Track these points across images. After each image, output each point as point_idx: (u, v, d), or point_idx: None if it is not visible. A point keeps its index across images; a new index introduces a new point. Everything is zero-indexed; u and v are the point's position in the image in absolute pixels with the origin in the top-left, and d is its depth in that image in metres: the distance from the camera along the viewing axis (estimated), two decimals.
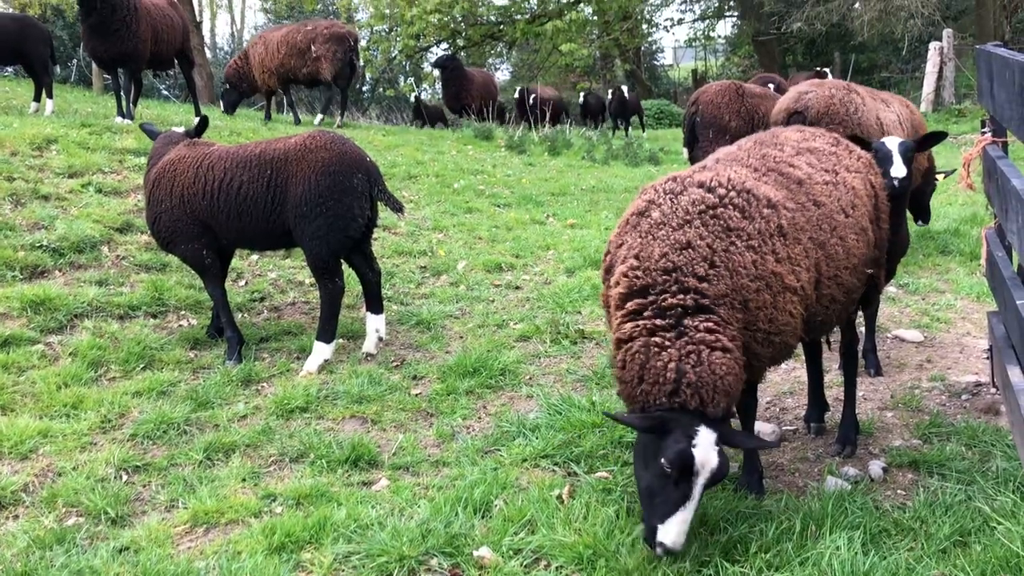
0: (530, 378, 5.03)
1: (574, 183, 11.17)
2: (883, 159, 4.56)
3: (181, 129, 5.91)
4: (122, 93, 10.05)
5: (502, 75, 38.14)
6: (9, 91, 13.05)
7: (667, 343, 2.97)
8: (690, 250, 3.09)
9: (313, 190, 4.98)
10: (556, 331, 5.63)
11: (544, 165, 12.66)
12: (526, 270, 7.20)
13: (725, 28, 35.83)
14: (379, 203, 5.29)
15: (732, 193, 3.25)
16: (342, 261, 5.30)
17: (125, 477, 3.86)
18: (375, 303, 5.46)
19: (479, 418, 4.55)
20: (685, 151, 9.27)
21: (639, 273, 3.12)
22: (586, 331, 5.68)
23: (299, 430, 4.30)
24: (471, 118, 17.04)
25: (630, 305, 3.10)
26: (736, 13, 31.02)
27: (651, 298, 3.06)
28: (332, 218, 5.01)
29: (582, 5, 29.09)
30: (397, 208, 5.27)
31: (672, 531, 2.90)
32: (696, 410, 2.91)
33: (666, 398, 2.92)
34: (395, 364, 5.23)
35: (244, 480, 3.84)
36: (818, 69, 19.04)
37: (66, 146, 8.26)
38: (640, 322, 3.04)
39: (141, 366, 5.00)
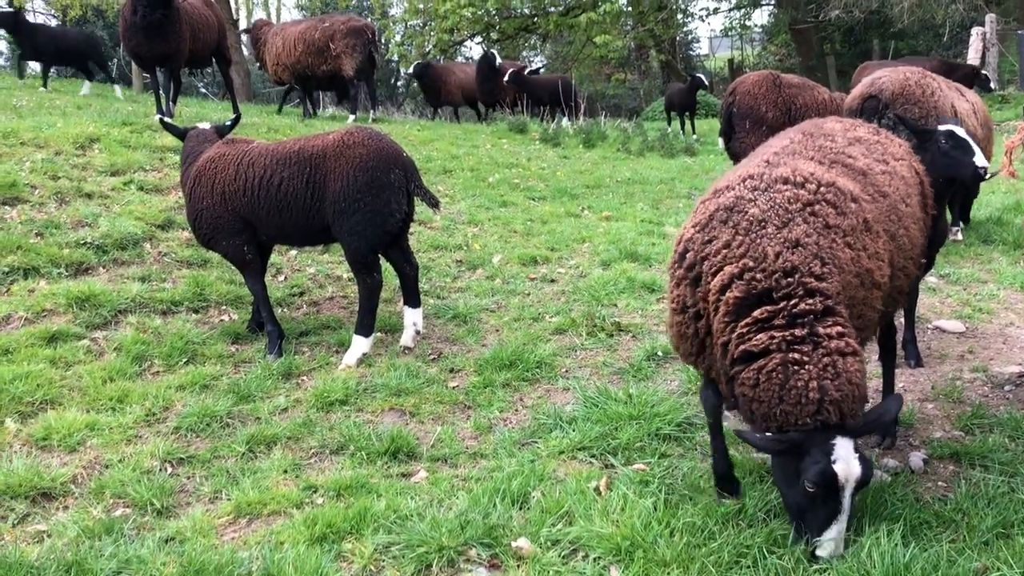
0: (566, 371, 5.05)
1: (609, 175, 11.15)
2: (962, 146, 4.55)
3: (207, 125, 5.98)
4: (161, 92, 10.20)
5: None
6: (52, 92, 13.31)
7: (805, 358, 2.82)
8: (802, 248, 2.95)
9: (351, 186, 5.03)
10: (592, 324, 5.64)
11: (579, 157, 12.66)
12: (561, 263, 7.21)
13: (761, 17, 35.46)
14: (415, 198, 5.33)
15: (822, 188, 3.13)
16: (380, 256, 5.35)
17: (170, 469, 3.94)
18: (412, 297, 5.51)
19: (516, 411, 4.58)
20: (721, 141, 9.22)
21: (758, 275, 2.93)
22: (622, 324, 5.67)
23: (339, 423, 4.36)
24: (505, 111, 17.05)
25: (758, 313, 2.91)
26: (772, 2, 30.67)
27: (780, 304, 2.90)
28: (370, 213, 5.06)
29: None
30: (433, 203, 5.31)
31: (829, 546, 2.89)
32: (836, 424, 2.81)
33: (809, 418, 2.80)
34: (432, 357, 5.28)
35: (286, 472, 3.90)
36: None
37: (108, 144, 8.42)
38: (775, 334, 2.86)
39: (184, 360, 5.09)
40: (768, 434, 2.90)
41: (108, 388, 4.63)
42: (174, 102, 10.58)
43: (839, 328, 2.87)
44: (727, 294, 2.97)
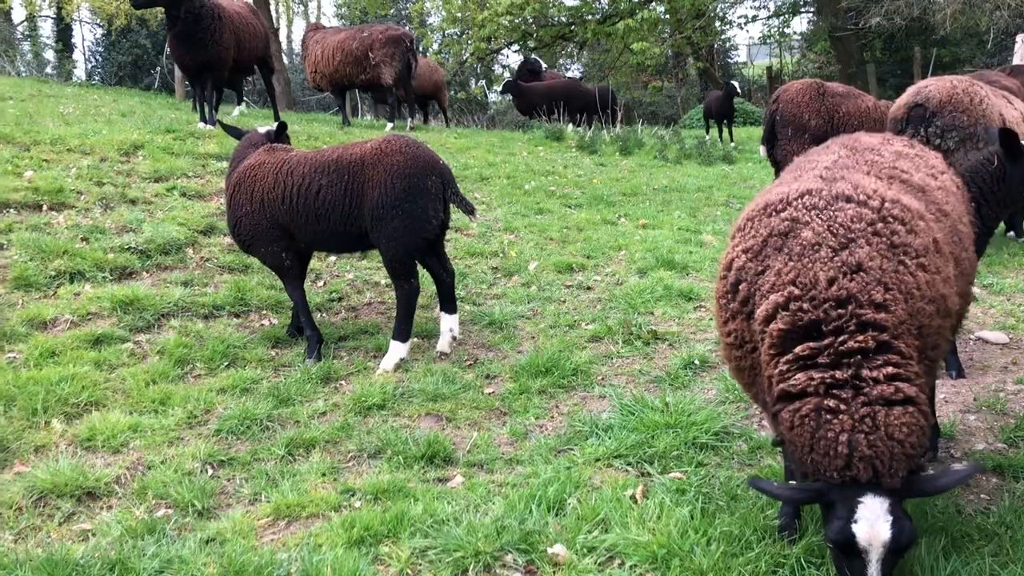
0: (602, 378, 5.05)
1: (646, 183, 11.13)
2: None
3: (263, 129, 6.08)
4: (204, 99, 10.37)
5: (573, 75, 38.10)
6: (97, 99, 13.58)
7: (841, 406, 2.55)
8: (862, 273, 2.66)
9: (388, 193, 5.08)
10: (628, 332, 5.64)
11: (615, 165, 12.65)
12: (597, 271, 7.21)
13: (800, 24, 35.23)
14: (452, 205, 5.37)
15: (888, 204, 2.84)
16: (417, 262, 5.39)
17: (211, 471, 4.00)
18: (449, 303, 5.55)
19: (552, 417, 4.59)
20: (763, 148, 9.18)
21: (804, 305, 2.67)
22: (659, 332, 5.66)
23: (376, 427, 4.39)
24: (542, 119, 17.08)
25: (800, 350, 2.65)
26: (812, 9, 30.40)
27: (826, 340, 2.62)
28: (407, 220, 5.11)
29: (654, 4, 28.91)
30: (469, 210, 5.34)
31: None
32: (868, 481, 2.53)
33: (837, 473, 2.54)
34: (468, 363, 5.31)
35: (324, 475, 3.94)
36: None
37: (152, 151, 8.57)
38: (815, 375, 2.60)
39: (225, 364, 5.16)
40: (792, 483, 2.76)
41: (151, 390, 4.71)
42: (216, 109, 10.74)
43: (890, 370, 2.58)
44: (771, 325, 2.73)
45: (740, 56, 41.27)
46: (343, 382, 5.06)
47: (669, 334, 5.67)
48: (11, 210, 6.77)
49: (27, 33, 33.96)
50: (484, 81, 33.75)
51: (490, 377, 5.11)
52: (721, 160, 14.01)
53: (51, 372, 4.69)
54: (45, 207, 6.95)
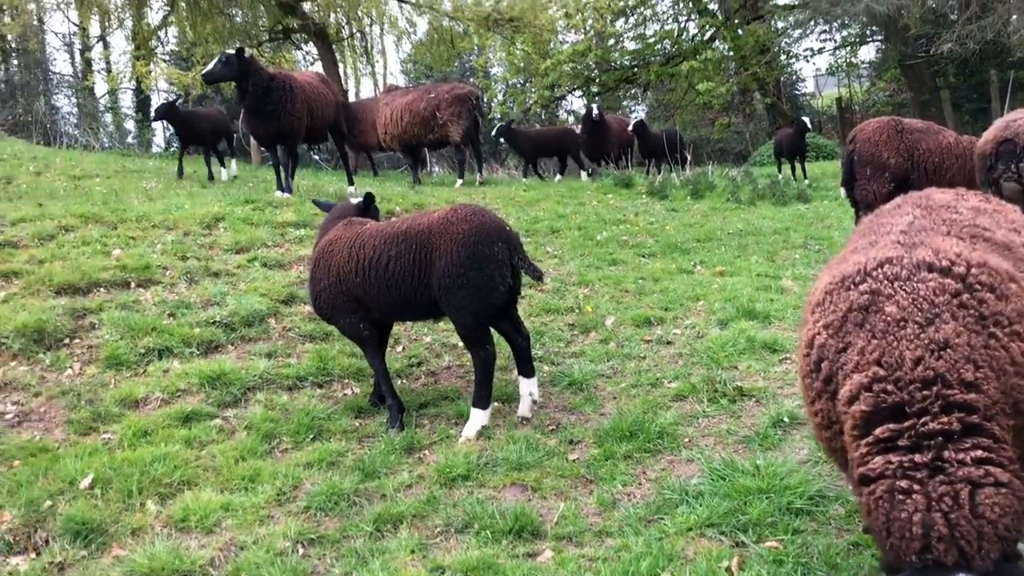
0: (689, 440, 4.95)
1: (720, 227, 11.01)
2: None
3: (352, 201, 6.27)
4: (280, 168, 10.65)
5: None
6: (196, 171, 14.04)
7: (915, 486, 2.42)
8: (949, 351, 2.53)
9: (455, 262, 5.12)
10: (713, 389, 5.53)
11: (687, 210, 12.55)
12: (676, 323, 7.12)
13: (868, 53, 34.72)
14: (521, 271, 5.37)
15: (974, 270, 2.70)
16: (490, 327, 5.40)
17: (301, 550, 4.02)
18: (526, 366, 5.53)
19: (639, 484, 4.50)
20: (843, 190, 9.00)
21: (889, 387, 2.54)
22: (744, 388, 5.54)
23: (462, 499, 4.37)
24: (610, 166, 17.10)
25: (880, 432, 2.53)
26: (880, 37, 29.98)
27: (908, 422, 2.49)
28: (473, 288, 5.12)
29: (717, 43, 28.89)
30: (537, 276, 5.32)
31: None
32: (955, 564, 2.35)
33: (916, 556, 2.38)
34: (551, 428, 5.26)
35: (413, 552, 3.92)
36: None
37: (232, 223, 8.82)
38: (893, 458, 2.48)
39: (311, 437, 5.21)
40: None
41: (240, 467, 4.78)
42: (292, 177, 11.02)
43: (980, 453, 2.43)
44: (854, 407, 2.61)
45: (808, 87, 40.81)
46: (427, 452, 5.06)
47: (755, 390, 5.54)
48: (101, 289, 7.01)
49: (109, 106, 35.59)
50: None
51: (573, 442, 5.05)
52: (796, 199, 13.79)
53: (144, 452, 4.80)
54: (133, 284, 7.18)
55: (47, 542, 4.08)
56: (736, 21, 28.56)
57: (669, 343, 6.68)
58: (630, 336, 6.82)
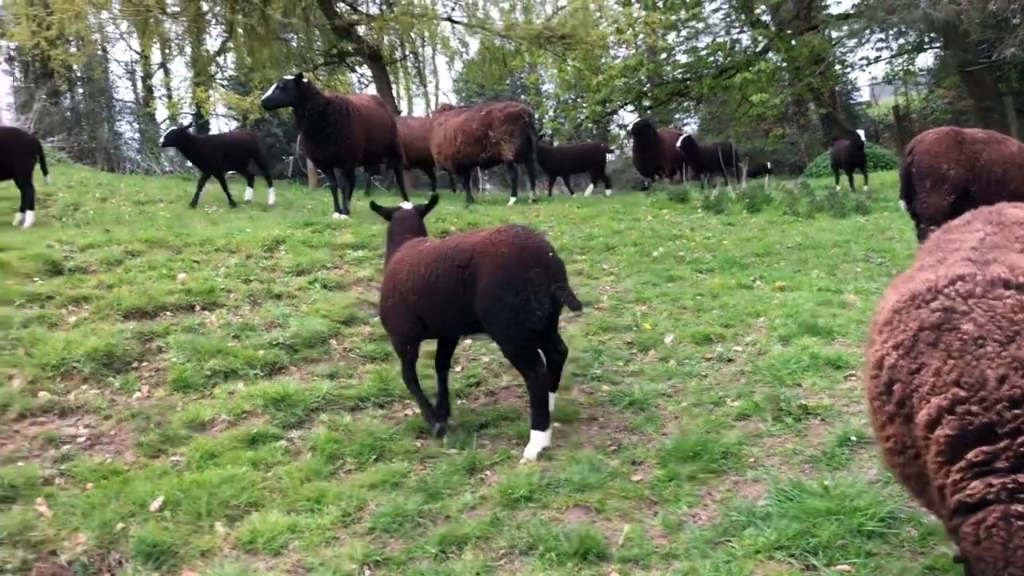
0: (754, 460, 4.87)
1: (778, 241, 10.88)
2: None
3: (410, 206, 6.38)
4: (338, 190, 10.80)
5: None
6: (237, 194, 14.30)
7: None
8: None
9: (492, 284, 5.13)
10: (777, 407, 5.45)
11: (744, 224, 12.43)
12: (737, 340, 7.03)
13: (926, 60, 34.06)
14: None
15: None
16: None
17: (368, 572, 4.04)
18: (553, 382, 5.61)
19: (704, 505, 4.44)
20: (903, 203, 8.83)
21: (974, 408, 2.47)
22: (809, 406, 5.45)
23: (526, 521, 4.36)
24: (663, 180, 17.02)
25: (973, 455, 2.45)
26: (938, 44, 29.39)
27: (1002, 443, 2.41)
28: (510, 312, 5.12)
29: (770, 53, 28.63)
30: (576, 307, 5.25)
31: None
32: None
33: None
34: (612, 449, 5.23)
35: (478, 574, 3.92)
36: None
37: (293, 246, 8.96)
38: (994, 481, 2.38)
39: (373, 458, 5.25)
40: None
41: (306, 489, 4.83)
42: (349, 198, 11.17)
43: None
44: (936, 431, 2.52)
45: (863, 96, 40.22)
46: (488, 472, 5.06)
47: (820, 408, 5.45)
48: (168, 313, 7.17)
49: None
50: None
51: (636, 463, 5.01)
52: (855, 211, 13.57)
53: (212, 474, 4.88)
54: (198, 307, 7.33)
55: (120, 563, 4.17)
56: (789, 32, 28.28)
57: (730, 360, 6.60)
58: (690, 354, 6.75)
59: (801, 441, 5.06)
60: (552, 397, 5.55)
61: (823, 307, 7.63)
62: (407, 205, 6.39)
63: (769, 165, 24.34)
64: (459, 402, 6.14)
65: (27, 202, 10.93)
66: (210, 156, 13.76)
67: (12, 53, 38.86)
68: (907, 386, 2.67)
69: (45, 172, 11.56)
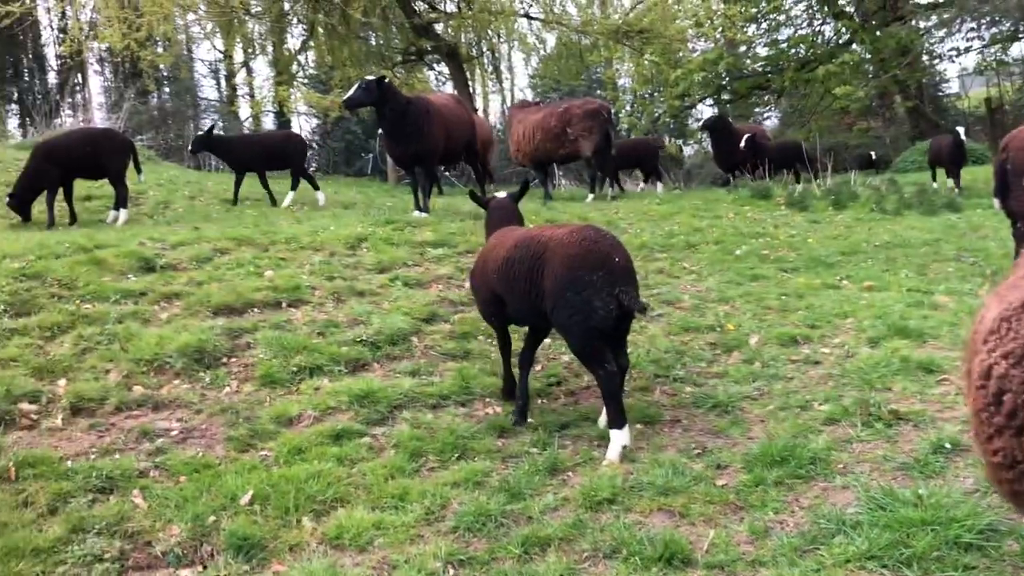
0: (843, 466, 4.75)
1: (865, 239, 10.60)
2: None
3: (504, 194, 6.64)
4: (418, 189, 10.91)
5: (770, 123, 37.27)
6: (338, 192, 14.55)
7: None
8: None
9: (556, 281, 5.21)
10: (866, 412, 5.30)
11: (829, 221, 12.15)
12: (824, 342, 6.87)
13: (1021, 49, 32.73)
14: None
15: None
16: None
17: (452, 571, 4.07)
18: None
19: (792, 512, 4.35)
20: (996, 201, 8.50)
21: None
22: (900, 411, 5.29)
23: (609, 524, 4.33)
24: (744, 177, 16.74)
25: None
26: None
27: None
28: (572, 310, 5.16)
29: (854, 45, 27.88)
30: (640, 309, 5.23)
31: None
32: None
33: None
34: (697, 452, 5.16)
35: None
36: None
37: (374, 243, 9.08)
38: None
39: (456, 456, 5.29)
40: None
41: (390, 485, 4.89)
42: (429, 196, 11.27)
43: None
44: None
45: (952, 87, 38.85)
46: (570, 473, 5.05)
47: (912, 413, 5.28)
48: (255, 309, 7.33)
49: (253, 130, 37.42)
50: (679, 140, 33.56)
51: (721, 467, 4.93)
52: (946, 208, 13.13)
53: (299, 470, 4.98)
54: (284, 304, 7.48)
55: (212, 556, 4.28)
56: (874, 23, 27.49)
57: (817, 363, 6.45)
58: (775, 355, 6.63)
59: (892, 448, 4.91)
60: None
61: (913, 308, 7.40)
62: (501, 195, 6.61)
63: (874, 155, 23.66)
64: (539, 401, 6.15)
65: (120, 201, 11.32)
66: (241, 155, 13.85)
67: (103, 54, 40.38)
68: (1019, 396, 2.55)
69: (139, 171, 11.96)
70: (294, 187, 14.04)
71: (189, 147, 15.09)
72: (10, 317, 6.71)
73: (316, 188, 14.04)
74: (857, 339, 6.79)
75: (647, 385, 6.20)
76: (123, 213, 11.30)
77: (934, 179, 17.28)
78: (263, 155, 13.98)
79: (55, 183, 11.27)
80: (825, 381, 6.07)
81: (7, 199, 11.31)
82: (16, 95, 46.65)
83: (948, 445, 4.79)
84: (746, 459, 4.91)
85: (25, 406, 5.55)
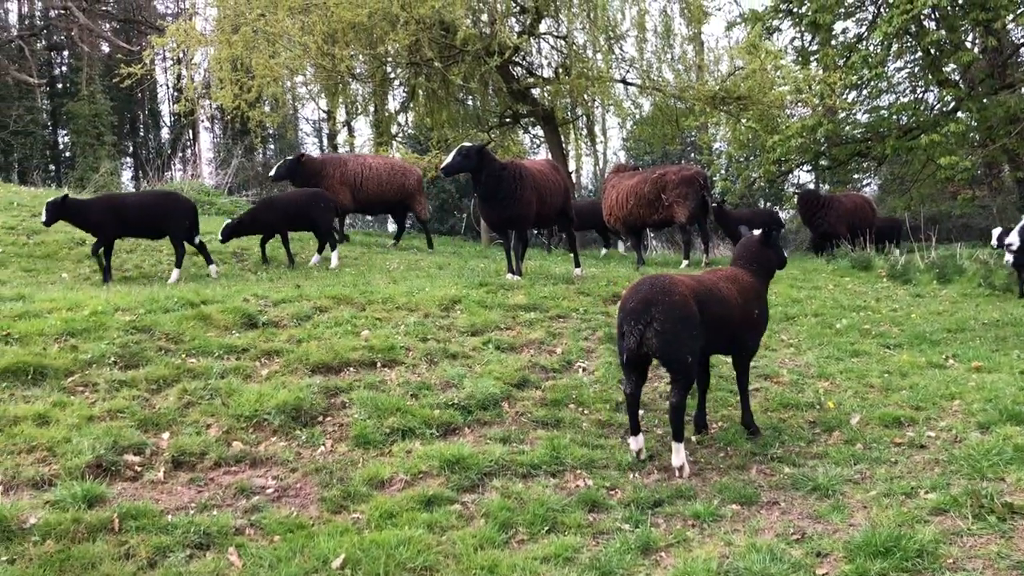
0: (953, 562, 4.52)
1: (973, 316, 10.20)
2: None
3: (756, 233, 6.99)
4: (511, 252, 11.01)
5: (869, 190, 36.49)
6: (417, 247, 14.83)
7: None
8: None
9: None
10: (978, 503, 5.04)
11: (934, 296, 11.75)
12: (929, 424, 6.60)
13: None
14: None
15: None
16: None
17: None
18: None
19: None
20: None
21: None
22: (1015, 505, 5.01)
23: None
24: (845, 247, 16.38)
25: None
26: None
27: None
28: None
29: (959, 113, 27.17)
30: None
31: None
32: None
33: None
34: (795, 537, 4.98)
35: None
36: None
37: (468, 306, 9.16)
38: None
39: (546, 529, 5.22)
40: None
41: (479, 556, 4.85)
42: (522, 259, 11.35)
43: None
44: None
45: None
46: (663, 553, 4.93)
47: None
48: (351, 368, 7.46)
49: None
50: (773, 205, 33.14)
51: (821, 555, 4.75)
52: None
53: (390, 535, 4.98)
54: (379, 364, 7.59)
55: None
56: (981, 90, 26.77)
57: (923, 447, 6.19)
58: (878, 437, 6.39)
59: (1007, 544, 4.65)
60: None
61: None
62: (755, 232, 7.01)
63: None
64: (631, 476, 6.04)
65: (177, 260, 11.81)
66: (263, 220, 13.49)
67: (214, 112, 42.35)
68: None
69: (196, 233, 12.23)
70: (320, 249, 13.69)
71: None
72: (120, 369, 6.98)
73: (333, 248, 13.49)
74: (965, 423, 6.50)
75: (744, 463, 6.04)
76: (175, 272, 11.74)
77: None
78: (281, 216, 13.48)
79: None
80: (932, 467, 5.81)
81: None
82: (132, 149, 49.27)
83: None
84: (848, 548, 4.71)
85: (130, 458, 5.74)
